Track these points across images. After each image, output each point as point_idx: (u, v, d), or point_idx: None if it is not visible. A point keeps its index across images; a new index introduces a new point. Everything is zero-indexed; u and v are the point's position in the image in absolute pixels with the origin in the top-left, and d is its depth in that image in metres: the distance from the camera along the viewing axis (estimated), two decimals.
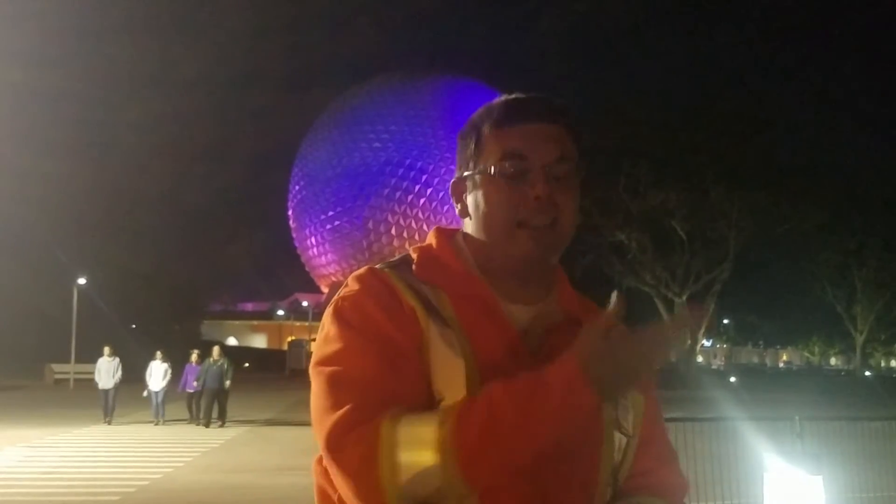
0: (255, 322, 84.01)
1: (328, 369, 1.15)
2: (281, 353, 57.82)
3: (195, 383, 16.95)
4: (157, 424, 16.45)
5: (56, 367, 33.70)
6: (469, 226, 1.29)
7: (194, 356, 17.76)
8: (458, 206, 1.31)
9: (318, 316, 61.51)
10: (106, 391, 16.64)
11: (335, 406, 1.10)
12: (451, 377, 1.15)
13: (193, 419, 16.87)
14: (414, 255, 1.29)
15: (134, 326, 46.64)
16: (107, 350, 17.36)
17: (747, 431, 7.68)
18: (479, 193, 1.25)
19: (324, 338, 1.20)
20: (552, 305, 1.29)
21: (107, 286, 43.20)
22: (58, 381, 32.05)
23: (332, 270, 70.05)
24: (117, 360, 17.14)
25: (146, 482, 10.08)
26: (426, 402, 1.13)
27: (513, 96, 1.29)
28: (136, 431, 15.45)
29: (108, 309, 40.75)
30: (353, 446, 1.07)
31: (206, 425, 16.19)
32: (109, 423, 16.30)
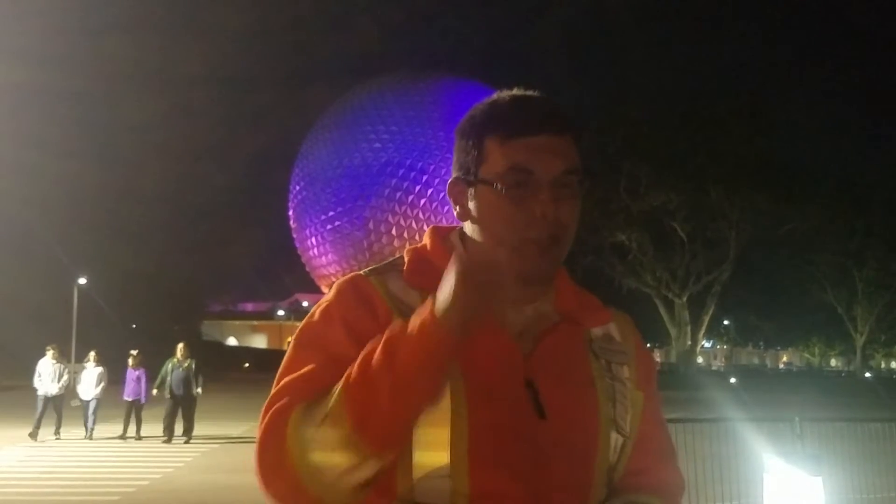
0: (256, 322, 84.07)
1: (279, 379, 1.19)
2: (281, 353, 55.95)
3: (154, 391, 14.53)
4: (88, 438, 14.29)
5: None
6: (469, 228, 1.28)
7: (131, 359, 14.98)
8: (458, 208, 1.28)
9: None
10: (48, 399, 14.16)
11: (266, 410, 1.14)
12: None
13: (125, 435, 14.32)
14: (406, 258, 1.28)
15: (134, 326, 46.68)
16: (50, 352, 14.75)
17: (747, 432, 7.69)
18: (483, 206, 1.23)
19: (289, 347, 1.24)
20: (548, 304, 1.28)
21: (107, 286, 43.22)
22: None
23: (332, 271, 70.07)
24: (63, 364, 14.83)
25: (146, 482, 10.08)
26: None
27: (516, 101, 1.26)
28: (143, 429, 15.38)
29: (108, 309, 40.77)
30: (272, 436, 1.10)
31: (169, 440, 13.98)
32: (57, 436, 14.14)
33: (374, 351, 1.09)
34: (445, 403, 1.13)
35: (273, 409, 1.13)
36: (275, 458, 1.09)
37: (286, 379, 1.17)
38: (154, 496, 9.22)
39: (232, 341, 76.47)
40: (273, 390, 1.17)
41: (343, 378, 1.09)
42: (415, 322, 1.08)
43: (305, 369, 1.16)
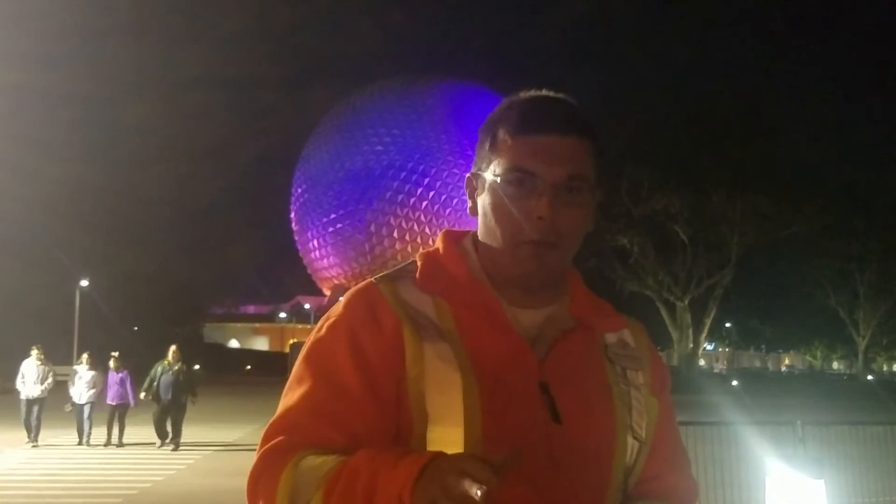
0: (257, 324, 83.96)
1: (283, 401, 1.19)
2: (283, 355, 57.75)
3: (142, 395, 14.00)
4: (80, 444, 13.83)
5: (58, 368, 33.46)
6: (478, 225, 1.28)
7: (113, 361, 14.61)
8: (470, 202, 1.29)
9: (319, 319, 61.39)
10: (30, 402, 13.65)
11: (264, 441, 1.15)
12: (447, 394, 1.13)
13: (109, 441, 13.86)
14: (419, 262, 1.27)
15: (136, 329, 46.68)
16: (35, 352, 14.37)
17: (749, 435, 7.69)
18: (487, 200, 1.23)
19: (296, 364, 1.23)
20: (563, 310, 1.27)
21: (109, 288, 43.28)
22: (59, 384, 31.89)
23: (334, 273, 70.04)
24: (48, 367, 14.46)
25: (148, 485, 10.09)
26: (380, 434, 1.13)
27: (534, 99, 1.25)
28: (138, 434, 15.39)
29: (110, 311, 40.77)
30: (262, 484, 1.11)
31: (162, 444, 13.69)
32: (35, 444, 13.46)
33: (359, 471, 1.01)
34: (458, 402, 1.12)
35: (270, 445, 1.13)
36: (265, 491, 1.10)
37: (289, 404, 1.17)
38: (155, 499, 9.22)
39: (234, 344, 76.43)
40: (278, 410, 1.18)
41: (325, 483, 1.03)
42: (397, 481, 0.96)
43: (308, 396, 1.16)
